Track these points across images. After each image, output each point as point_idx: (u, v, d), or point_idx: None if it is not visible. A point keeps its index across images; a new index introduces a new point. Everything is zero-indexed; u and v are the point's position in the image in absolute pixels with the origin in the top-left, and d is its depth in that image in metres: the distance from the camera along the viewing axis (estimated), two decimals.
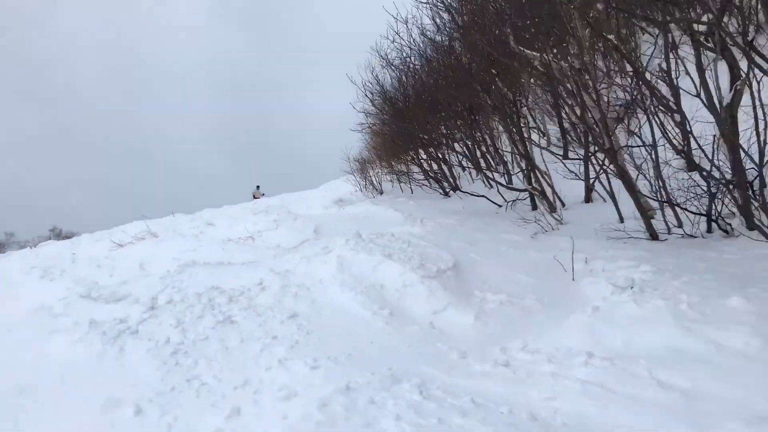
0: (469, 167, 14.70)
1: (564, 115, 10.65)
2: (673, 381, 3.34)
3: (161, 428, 3.48)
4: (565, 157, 10.90)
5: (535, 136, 12.73)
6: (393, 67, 14.38)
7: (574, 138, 10.98)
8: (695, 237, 6.44)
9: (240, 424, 3.39)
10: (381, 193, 15.92)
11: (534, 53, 8.50)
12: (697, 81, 6.10)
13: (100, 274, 8.53)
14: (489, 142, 13.16)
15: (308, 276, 6.78)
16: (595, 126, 7.48)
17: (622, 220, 7.86)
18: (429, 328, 5.16)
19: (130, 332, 5.16)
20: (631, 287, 4.76)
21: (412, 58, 13.57)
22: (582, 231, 7.70)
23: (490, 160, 14.02)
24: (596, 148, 8.23)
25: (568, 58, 8.00)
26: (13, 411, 3.92)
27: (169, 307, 5.89)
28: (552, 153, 9.70)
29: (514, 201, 10.70)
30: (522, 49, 8.68)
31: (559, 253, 6.48)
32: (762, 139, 6.75)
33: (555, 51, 8.29)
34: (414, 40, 13.28)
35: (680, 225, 6.79)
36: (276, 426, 3.24)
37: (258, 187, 25.41)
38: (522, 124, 10.38)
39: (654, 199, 6.90)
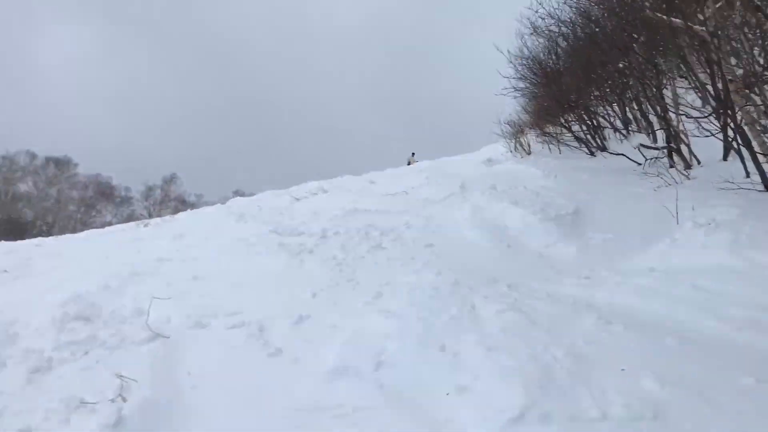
0: (616, 128, 15.21)
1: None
2: (706, 285, 4.38)
3: (329, 304, 5.17)
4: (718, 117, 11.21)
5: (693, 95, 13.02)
6: (540, 33, 15.23)
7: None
8: None
9: (380, 300, 4.99)
10: (529, 153, 16.91)
11: (670, 18, 9.10)
12: None
13: (282, 218, 10.62)
14: (635, 104, 13.62)
15: (446, 219, 8.27)
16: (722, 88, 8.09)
17: (748, 175, 8.38)
18: (537, 257, 6.44)
19: (307, 251, 7.01)
20: (709, 224, 5.67)
21: (560, 26, 14.33)
22: (704, 185, 8.37)
23: (640, 120, 14.45)
24: (724, 107, 8.76)
25: (702, 20, 8.55)
26: (233, 296, 5.82)
27: (336, 238, 7.68)
28: (687, 115, 10.19)
29: (653, 159, 11.29)
30: (658, 14, 9.31)
31: (673, 202, 7.33)
32: None
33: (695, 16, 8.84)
34: (557, 7, 14.02)
35: None
36: (403, 300, 4.80)
37: (413, 154, 27.14)
38: (667, 85, 10.90)
39: (763, 154, 7.46)
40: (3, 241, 12.32)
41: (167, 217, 15.24)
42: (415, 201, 10.83)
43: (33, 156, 75.95)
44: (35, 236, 19.43)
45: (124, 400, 3.44)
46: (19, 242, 12.01)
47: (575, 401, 3.02)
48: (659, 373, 3.18)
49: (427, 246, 6.97)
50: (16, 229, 67.70)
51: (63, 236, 15.50)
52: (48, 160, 76.12)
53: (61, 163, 76.26)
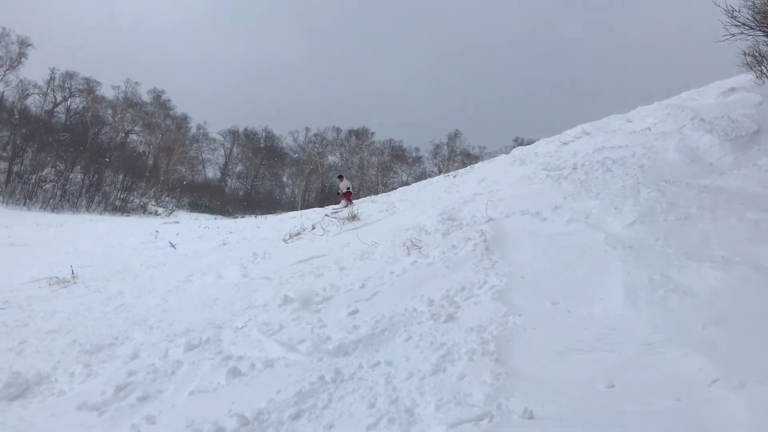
0: None
1: None
2: None
3: (571, 203, 10.07)
4: None
5: None
6: None
7: None
8: None
9: (599, 196, 9.79)
10: None
11: None
12: None
13: (551, 159, 15.51)
14: None
15: (663, 147, 12.43)
16: None
17: None
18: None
19: (563, 178, 11.92)
20: None
21: None
22: None
23: None
24: None
25: None
26: (522, 203, 11.05)
27: (582, 168, 12.42)
28: None
29: None
30: None
31: None
32: None
33: None
34: None
35: None
36: (611, 192, 9.57)
37: (340, 177, 25.49)
38: None
39: None
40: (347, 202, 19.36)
41: (468, 168, 21.24)
42: (650, 135, 14.87)
43: (338, 131, 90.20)
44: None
45: (484, 234, 8.95)
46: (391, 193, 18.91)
47: None
48: None
49: (640, 166, 11.35)
50: (332, 195, 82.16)
51: (400, 189, 22.43)
52: (350, 132, 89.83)
53: (361, 134, 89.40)
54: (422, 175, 77.24)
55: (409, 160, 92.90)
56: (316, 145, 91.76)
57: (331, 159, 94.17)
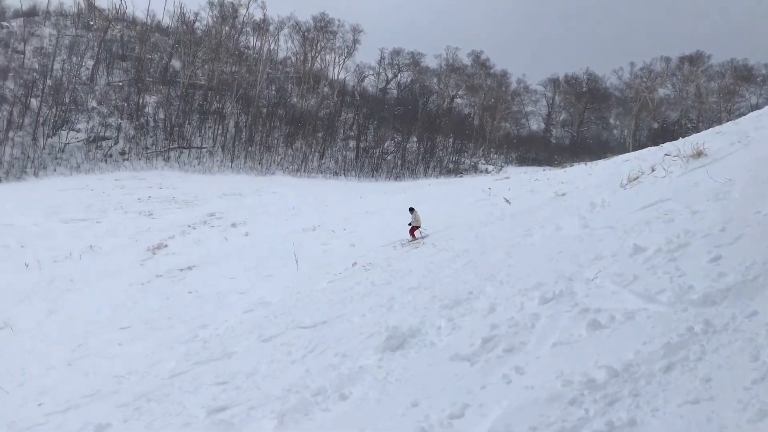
0: None
1: None
2: None
3: None
4: None
5: None
6: None
7: None
8: None
9: None
10: None
11: None
12: None
13: None
14: None
15: None
16: None
17: None
18: None
19: None
20: None
21: None
22: None
23: None
24: None
25: None
26: None
27: None
28: None
29: None
30: None
31: None
32: None
33: None
34: None
35: None
36: None
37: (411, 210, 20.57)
38: None
39: None
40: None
41: None
42: None
43: (667, 60, 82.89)
44: (683, 135, 24.31)
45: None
46: None
47: None
48: None
49: None
50: (665, 132, 75.94)
51: (751, 115, 19.79)
52: (681, 59, 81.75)
53: (695, 59, 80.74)
54: None
55: (759, 80, 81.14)
56: (644, 79, 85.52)
57: (662, 92, 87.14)
